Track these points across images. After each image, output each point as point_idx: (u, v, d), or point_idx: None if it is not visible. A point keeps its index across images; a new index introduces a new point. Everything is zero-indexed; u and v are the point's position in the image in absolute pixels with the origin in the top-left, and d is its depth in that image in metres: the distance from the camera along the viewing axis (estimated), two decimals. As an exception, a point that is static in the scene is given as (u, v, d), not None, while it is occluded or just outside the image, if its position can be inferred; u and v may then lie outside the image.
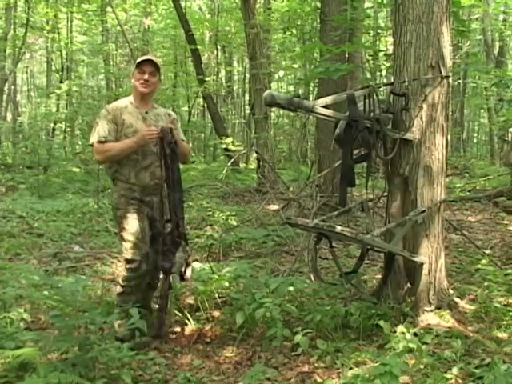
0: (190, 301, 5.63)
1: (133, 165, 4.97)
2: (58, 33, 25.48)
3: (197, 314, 5.41)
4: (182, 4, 19.12)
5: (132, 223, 4.95)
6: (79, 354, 4.12)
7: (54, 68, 27.82)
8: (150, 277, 5.10)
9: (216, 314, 5.42)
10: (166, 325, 5.08)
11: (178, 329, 5.21)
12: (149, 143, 4.94)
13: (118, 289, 5.12)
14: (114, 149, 4.93)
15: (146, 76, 5.04)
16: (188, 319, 5.21)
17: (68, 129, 25.86)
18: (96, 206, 11.34)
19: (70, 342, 4.24)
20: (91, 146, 5.08)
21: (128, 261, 4.98)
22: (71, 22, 26.04)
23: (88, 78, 30.72)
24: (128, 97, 5.30)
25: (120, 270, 7.43)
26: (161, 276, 5.15)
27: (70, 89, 22.82)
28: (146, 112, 5.12)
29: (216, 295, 5.59)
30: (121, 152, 4.93)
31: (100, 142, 4.95)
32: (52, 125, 24.62)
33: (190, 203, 11.71)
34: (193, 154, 25.64)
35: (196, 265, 6.30)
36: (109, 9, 21.81)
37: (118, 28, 21.57)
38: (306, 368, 4.34)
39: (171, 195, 4.95)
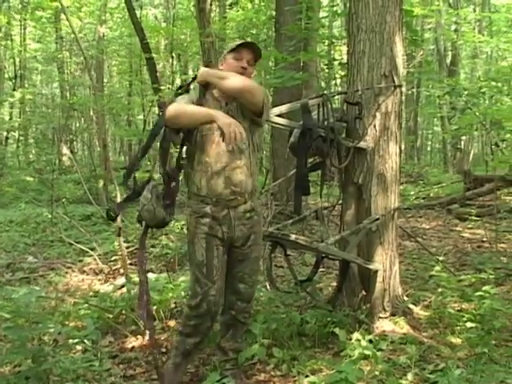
0: (146, 310, 5.58)
1: (204, 169, 3.99)
2: (11, 40, 25.14)
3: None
4: (138, 12, 19.03)
5: (198, 252, 4.06)
6: (33, 367, 4.05)
7: (6, 76, 27.41)
8: (212, 320, 4.18)
9: (172, 323, 5.39)
10: None
11: (133, 339, 5.17)
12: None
13: (179, 327, 4.35)
14: (189, 107, 3.99)
15: (244, 63, 4.04)
16: (144, 329, 5.17)
17: (21, 137, 25.53)
18: (50, 216, 11.20)
19: (24, 354, 4.17)
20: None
21: (190, 295, 4.22)
22: (25, 29, 25.69)
23: (42, 85, 30.40)
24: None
25: (75, 280, 7.38)
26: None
27: (23, 97, 22.54)
28: (227, 104, 4.08)
29: (172, 305, 5.55)
30: (190, 114, 3.98)
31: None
32: (5, 133, 24.28)
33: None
34: (148, 163, 25.48)
35: (151, 275, 6.28)
36: (63, 16, 21.59)
37: (73, 36, 21.39)
38: (262, 376, 4.34)
39: None
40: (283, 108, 4.80)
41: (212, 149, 3.96)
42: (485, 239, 8.92)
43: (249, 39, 17.97)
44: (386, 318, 5.01)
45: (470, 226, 10.22)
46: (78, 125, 25.58)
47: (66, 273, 7.60)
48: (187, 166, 4.11)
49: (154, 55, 16.35)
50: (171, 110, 3.96)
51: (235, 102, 4.06)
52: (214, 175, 3.96)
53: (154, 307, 5.47)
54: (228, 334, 4.29)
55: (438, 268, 6.15)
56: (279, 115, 4.78)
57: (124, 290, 6.29)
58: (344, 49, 14.05)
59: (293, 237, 4.55)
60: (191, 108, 4.00)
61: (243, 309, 4.22)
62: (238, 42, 4.14)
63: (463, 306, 5.41)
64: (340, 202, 5.40)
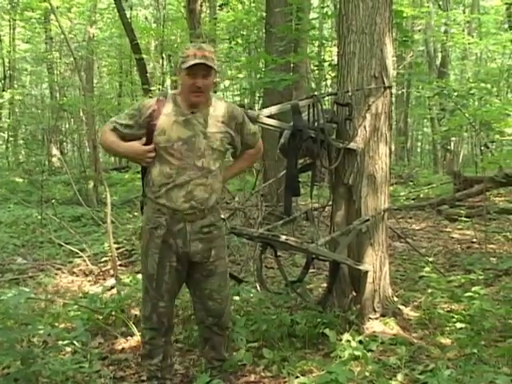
0: (136, 312, 5.57)
1: (164, 180, 3.83)
2: (0, 40, 25.09)
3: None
4: (128, 13, 19.03)
5: (149, 264, 3.94)
6: (22, 368, 4.04)
7: (-5, 76, 27.39)
8: (166, 334, 4.13)
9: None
10: None
11: (123, 340, 5.15)
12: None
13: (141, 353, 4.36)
14: (115, 144, 3.97)
15: (199, 82, 3.77)
16: (134, 331, 5.15)
17: (11, 138, 25.46)
18: (40, 217, 11.16)
19: (13, 356, 4.15)
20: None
21: (142, 304, 4.19)
22: (14, 29, 25.64)
23: (31, 86, 30.29)
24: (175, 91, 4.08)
25: (64, 281, 7.36)
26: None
27: (12, 97, 22.49)
28: (193, 112, 3.88)
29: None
30: (117, 152, 4.14)
31: (112, 128, 3.96)
32: (-6, 134, 24.23)
33: (136, 214, 11.62)
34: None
35: (140, 275, 6.27)
36: (53, 17, 21.52)
37: (63, 36, 21.33)
38: (252, 378, 4.33)
39: None
40: (273, 109, 4.80)
41: (175, 160, 3.82)
42: (474, 240, 8.95)
43: (239, 40, 18.01)
44: (376, 318, 5.02)
45: (459, 226, 10.25)
46: (67, 126, 25.58)
47: (56, 274, 7.57)
48: (148, 172, 3.99)
49: (144, 56, 16.39)
50: (104, 141, 4.02)
51: (202, 113, 3.91)
52: (175, 188, 3.82)
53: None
54: (207, 346, 4.22)
55: (427, 269, 6.17)
56: (269, 116, 4.78)
57: (114, 291, 6.28)
58: (334, 50, 14.07)
59: (283, 238, 4.54)
60: (119, 145, 3.96)
61: (216, 323, 4.12)
62: (191, 56, 3.77)
63: (453, 307, 5.43)
64: (330, 203, 5.41)
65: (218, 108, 3.96)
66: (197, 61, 3.73)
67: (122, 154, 4.17)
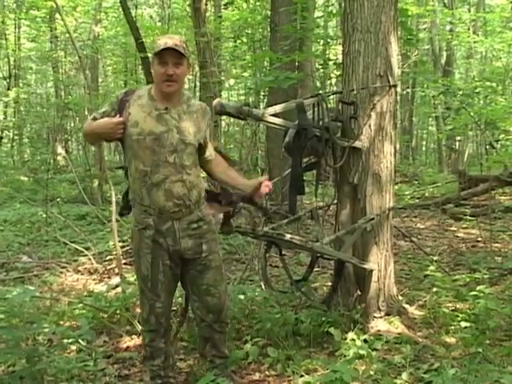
0: (141, 310, 5.58)
1: (141, 179, 3.78)
2: (6, 39, 25.06)
3: (147, 323, 5.36)
4: (133, 12, 18.98)
5: (143, 265, 3.92)
6: (27, 367, 4.04)
7: (1, 75, 27.37)
8: (165, 335, 4.11)
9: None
10: None
11: (128, 339, 5.16)
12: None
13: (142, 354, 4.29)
14: (89, 126, 3.94)
15: (169, 70, 3.72)
16: (138, 329, 5.16)
17: (16, 137, 25.48)
18: (45, 216, 11.17)
19: (18, 355, 4.16)
20: None
21: (140, 306, 4.24)
22: (19, 28, 25.65)
23: (36, 85, 30.31)
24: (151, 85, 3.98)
25: (69, 279, 7.37)
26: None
27: (17, 96, 22.51)
28: (166, 108, 3.81)
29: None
30: (87, 132, 4.00)
31: (92, 118, 3.94)
32: (-1, 133, 24.25)
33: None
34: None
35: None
36: (58, 15, 21.52)
37: (67, 35, 21.33)
38: (256, 376, 4.34)
39: None
40: (278, 108, 4.79)
41: (147, 156, 3.76)
42: (479, 239, 8.94)
43: (244, 39, 18.01)
44: (380, 317, 5.01)
45: (464, 225, 10.24)
46: (72, 124, 25.56)
47: (61, 272, 7.58)
48: (127, 172, 3.94)
49: (149, 55, 16.32)
50: (84, 130, 4.08)
51: (176, 110, 3.86)
52: (154, 186, 3.77)
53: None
54: (208, 346, 4.18)
55: (432, 268, 6.16)
56: (274, 115, 4.77)
57: (119, 289, 6.29)
58: (339, 48, 14.05)
59: (288, 236, 4.54)
60: (90, 124, 3.93)
61: (216, 319, 4.09)
62: (162, 43, 3.74)
63: (458, 306, 5.42)
64: (335, 201, 5.40)
65: (191, 104, 3.94)
66: (167, 45, 3.70)
67: (95, 131, 3.93)
